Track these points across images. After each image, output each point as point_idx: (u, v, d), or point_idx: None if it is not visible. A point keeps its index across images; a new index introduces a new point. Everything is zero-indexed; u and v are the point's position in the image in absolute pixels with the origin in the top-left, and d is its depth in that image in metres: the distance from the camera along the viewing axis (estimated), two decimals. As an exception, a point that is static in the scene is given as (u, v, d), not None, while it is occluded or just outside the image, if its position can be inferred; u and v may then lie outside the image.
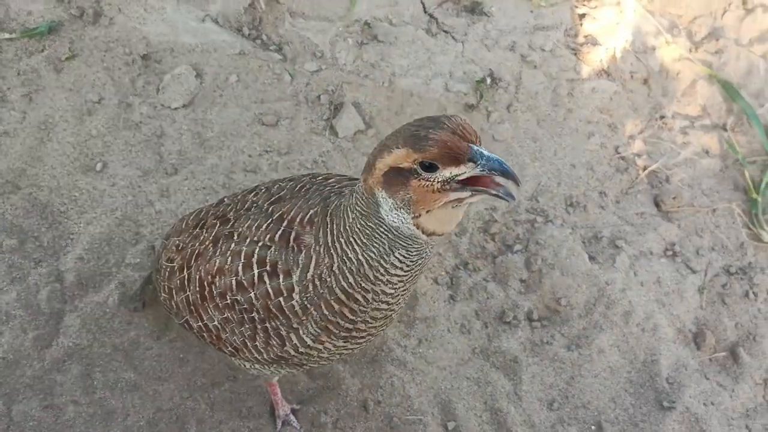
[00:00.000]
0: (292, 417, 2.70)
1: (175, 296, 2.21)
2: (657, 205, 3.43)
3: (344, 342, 1.98)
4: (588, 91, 3.62)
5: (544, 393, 2.92)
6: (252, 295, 1.93)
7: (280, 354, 2.03)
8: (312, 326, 1.92)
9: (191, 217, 2.29)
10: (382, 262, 1.79)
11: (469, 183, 1.62)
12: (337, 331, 1.93)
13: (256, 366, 2.26)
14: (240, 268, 1.95)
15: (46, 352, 2.70)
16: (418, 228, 1.70)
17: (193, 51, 3.34)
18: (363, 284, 1.83)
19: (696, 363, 3.07)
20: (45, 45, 3.24)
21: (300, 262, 1.87)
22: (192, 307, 2.13)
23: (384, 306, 1.91)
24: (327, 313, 1.88)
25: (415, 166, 1.61)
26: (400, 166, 1.63)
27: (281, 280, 1.89)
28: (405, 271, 1.83)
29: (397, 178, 1.65)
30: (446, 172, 1.60)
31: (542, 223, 3.27)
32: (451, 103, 3.44)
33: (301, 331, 1.93)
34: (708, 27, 3.95)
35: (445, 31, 3.64)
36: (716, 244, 3.37)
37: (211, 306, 2.06)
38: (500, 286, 3.10)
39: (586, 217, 3.33)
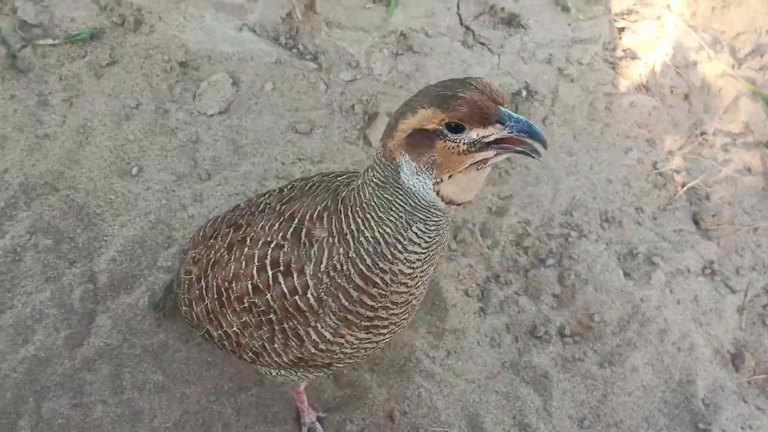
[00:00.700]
0: (317, 425, 2.68)
1: (195, 307, 2.21)
2: (696, 222, 3.36)
3: (367, 334, 1.95)
4: (626, 106, 3.57)
5: (575, 410, 2.86)
6: (268, 297, 1.93)
7: (299, 355, 2.01)
8: (331, 319, 1.89)
9: (207, 226, 2.30)
10: (399, 237, 1.74)
11: (494, 143, 1.57)
12: (358, 321, 1.90)
13: (282, 372, 2.25)
14: (255, 271, 1.95)
15: (77, 351, 2.73)
16: (438, 195, 1.66)
17: (230, 59, 3.37)
18: (381, 264, 1.78)
19: (734, 385, 2.98)
20: (87, 51, 3.30)
21: (312, 256, 1.85)
22: (211, 315, 2.14)
23: (403, 289, 1.86)
24: (346, 303, 1.85)
25: (442, 127, 1.57)
26: (426, 127, 1.59)
27: (295, 278, 1.88)
28: (423, 248, 1.78)
29: (421, 140, 1.60)
30: (473, 134, 1.56)
31: (576, 238, 3.21)
32: (486, 115, 3.41)
33: (319, 326, 1.91)
34: (752, 43, 3.87)
35: (482, 43, 3.63)
36: (757, 263, 3.28)
37: (229, 312, 2.06)
38: (532, 300, 3.05)
39: (622, 233, 3.27)
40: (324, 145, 3.28)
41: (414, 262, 1.81)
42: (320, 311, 1.89)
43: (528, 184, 3.31)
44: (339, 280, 1.83)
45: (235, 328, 2.08)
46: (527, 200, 3.27)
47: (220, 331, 2.14)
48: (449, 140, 1.58)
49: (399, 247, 1.76)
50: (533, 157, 1.59)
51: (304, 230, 1.88)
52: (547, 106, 3.51)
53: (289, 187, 2.12)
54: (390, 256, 1.78)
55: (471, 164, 1.60)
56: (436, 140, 1.59)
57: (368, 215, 1.75)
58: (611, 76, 3.63)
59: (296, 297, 1.89)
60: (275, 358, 2.07)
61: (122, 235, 2.95)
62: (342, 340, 1.95)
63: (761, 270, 3.25)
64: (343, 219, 1.81)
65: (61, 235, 2.92)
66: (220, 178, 3.13)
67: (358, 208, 1.77)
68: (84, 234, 2.94)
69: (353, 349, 2.00)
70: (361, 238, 1.77)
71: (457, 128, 1.56)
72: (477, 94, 1.55)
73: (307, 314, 1.90)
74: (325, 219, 1.86)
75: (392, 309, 1.91)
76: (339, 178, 2.02)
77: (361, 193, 1.76)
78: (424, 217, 1.72)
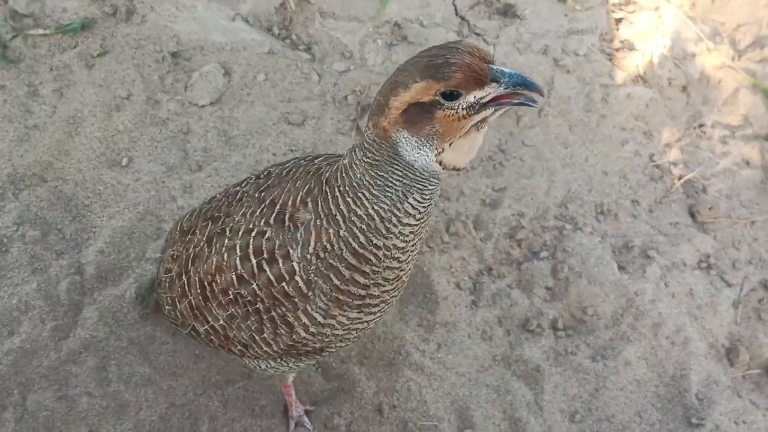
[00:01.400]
0: (305, 418, 2.66)
1: (178, 304, 2.18)
2: (692, 215, 3.31)
3: (358, 313, 1.92)
4: (623, 97, 3.52)
5: (567, 404, 2.83)
6: (254, 286, 1.90)
7: (290, 342, 1.98)
8: (321, 300, 1.86)
9: (183, 221, 2.27)
10: (395, 211, 1.73)
11: (491, 101, 1.56)
12: (350, 300, 1.87)
13: (272, 364, 2.22)
14: (238, 261, 1.92)
15: (63, 343, 2.71)
16: (440, 164, 1.65)
17: (222, 49, 3.34)
18: (375, 240, 1.77)
19: (728, 380, 2.94)
20: (78, 41, 3.28)
21: (299, 238, 1.82)
22: (196, 311, 2.10)
23: (395, 264, 1.84)
24: (338, 282, 1.83)
25: (438, 97, 1.55)
26: (422, 100, 1.57)
27: (281, 264, 1.85)
28: (417, 219, 1.76)
29: (418, 113, 1.58)
30: (470, 97, 1.55)
31: (571, 231, 3.18)
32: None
33: (309, 308, 1.88)
34: (753, 35, 3.82)
35: (477, 34, 3.59)
36: (754, 257, 3.23)
37: (214, 305, 2.03)
38: (525, 294, 3.02)
39: (617, 226, 3.23)
40: (316, 136, 3.25)
41: (407, 235, 1.79)
42: (310, 293, 1.86)
43: (522, 176, 3.28)
44: (330, 260, 1.80)
45: (221, 322, 2.04)
46: (521, 192, 3.24)
47: (206, 327, 2.10)
48: (448, 108, 1.56)
49: (394, 221, 1.74)
50: (530, 106, 1.58)
51: (287, 215, 1.86)
52: (543, 98, 3.46)
53: (265, 174, 2.08)
54: (385, 231, 1.76)
55: (472, 126, 1.59)
56: (435, 111, 1.57)
57: (360, 194, 1.73)
58: (608, 68, 3.58)
59: (283, 283, 1.86)
60: (265, 348, 2.04)
61: (111, 226, 2.92)
62: (333, 321, 1.92)
63: (757, 264, 3.21)
64: (330, 200, 1.78)
65: (49, 227, 2.90)
66: (211, 170, 3.11)
67: (347, 188, 1.74)
68: (72, 225, 2.92)
69: (344, 330, 1.97)
70: (353, 218, 1.75)
71: (453, 95, 1.55)
72: (468, 58, 1.53)
73: (296, 299, 1.87)
74: (309, 203, 1.83)
75: (384, 286, 1.89)
76: (316, 161, 1.99)
77: (350, 173, 1.74)
78: (421, 187, 1.71)
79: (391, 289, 1.93)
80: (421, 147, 1.62)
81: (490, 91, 1.55)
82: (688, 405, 2.86)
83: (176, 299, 2.17)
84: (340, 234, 1.77)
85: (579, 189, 3.30)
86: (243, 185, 2.11)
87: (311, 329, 1.93)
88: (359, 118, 3.30)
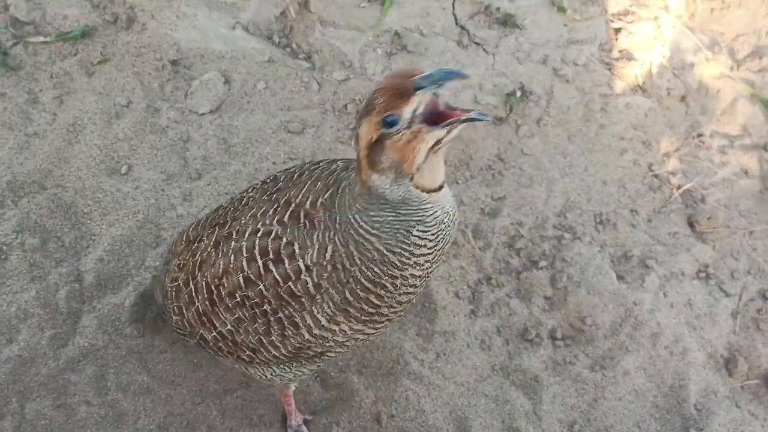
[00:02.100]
0: (304, 427, 2.65)
1: (185, 313, 2.18)
2: (691, 225, 3.32)
3: (362, 326, 1.94)
4: (622, 107, 3.53)
5: (565, 414, 2.83)
6: (261, 287, 1.91)
7: (297, 345, 1.98)
8: (329, 306, 1.88)
9: (189, 230, 2.28)
10: (403, 246, 1.77)
11: (439, 120, 1.60)
12: (358, 315, 1.89)
13: (276, 371, 2.22)
14: (244, 263, 1.93)
15: (61, 351, 2.71)
16: (417, 189, 1.70)
17: (222, 58, 3.35)
18: (390, 272, 1.81)
19: (727, 390, 2.94)
20: (78, 49, 3.28)
21: (314, 240, 1.84)
22: (203, 318, 2.10)
23: (412, 290, 1.89)
24: (351, 298, 1.85)
25: (381, 129, 1.61)
26: (374, 139, 1.63)
27: (287, 264, 1.86)
28: (429, 248, 1.80)
29: (376, 152, 1.65)
30: (405, 114, 1.60)
31: (570, 240, 3.18)
32: (479, 116, 3.38)
33: (315, 311, 1.89)
34: (751, 45, 3.83)
35: (477, 43, 3.60)
36: (752, 267, 3.23)
37: (221, 309, 2.03)
38: (523, 303, 3.02)
39: (616, 236, 3.23)
40: (316, 144, 3.25)
41: (423, 264, 1.83)
42: (317, 297, 1.87)
43: (521, 185, 3.28)
44: (345, 278, 1.83)
45: (229, 326, 2.05)
46: (520, 202, 3.24)
47: (214, 333, 2.10)
48: (393, 134, 1.62)
49: (406, 254, 1.79)
50: (481, 120, 1.61)
51: (302, 213, 1.88)
52: (542, 107, 3.47)
53: (271, 179, 2.10)
54: (399, 264, 1.80)
55: (429, 150, 1.64)
56: (385, 142, 1.63)
57: (363, 232, 1.78)
58: (607, 77, 3.59)
59: (290, 283, 1.87)
60: (273, 352, 2.04)
61: (110, 234, 2.93)
62: (336, 328, 1.93)
63: (756, 274, 3.21)
64: (338, 223, 1.81)
65: (48, 234, 2.90)
66: (210, 178, 3.11)
67: (354, 226, 1.78)
68: (71, 233, 2.92)
69: (345, 338, 1.98)
70: (363, 251, 1.79)
71: (392, 122, 1.60)
72: (388, 80, 1.62)
73: (303, 299, 1.88)
74: (326, 211, 1.86)
75: (396, 307, 1.92)
76: (332, 167, 2.00)
77: (350, 218, 1.78)
78: (419, 218, 1.75)
79: (401, 309, 1.96)
80: (395, 182, 1.69)
81: (420, 99, 1.59)
82: (687, 415, 2.86)
83: (183, 308, 2.17)
84: (355, 260, 1.80)
85: (578, 198, 3.30)
86: (249, 191, 2.14)
87: (314, 331, 1.94)
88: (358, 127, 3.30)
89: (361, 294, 1.84)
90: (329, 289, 1.85)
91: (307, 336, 1.95)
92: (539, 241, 3.17)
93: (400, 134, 1.61)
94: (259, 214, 1.98)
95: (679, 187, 3.38)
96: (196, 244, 2.17)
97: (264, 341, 2.02)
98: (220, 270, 1.99)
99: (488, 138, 3.36)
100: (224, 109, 3.28)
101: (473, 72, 3.51)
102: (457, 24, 3.65)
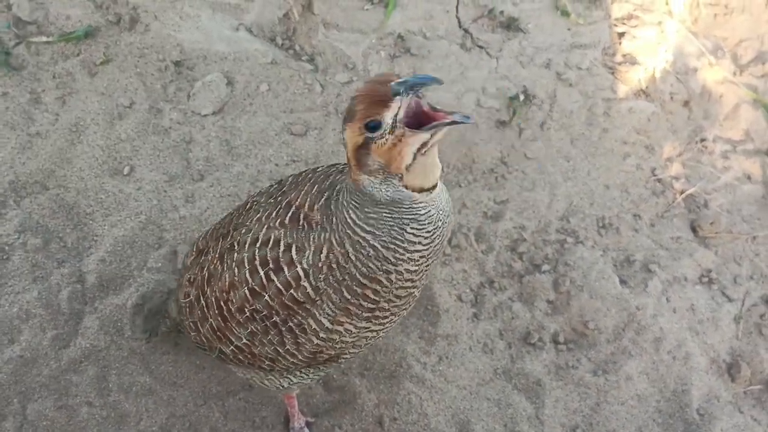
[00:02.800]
0: (306, 430, 2.64)
1: (201, 328, 2.16)
2: (694, 230, 3.32)
3: (367, 323, 1.93)
4: (625, 111, 3.53)
5: (567, 418, 2.82)
6: (266, 297, 1.90)
7: (312, 350, 1.98)
8: (329, 307, 1.88)
9: (199, 241, 2.28)
10: (397, 242, 1.77)
11: (423, 123, 1.62)
12: (359, 312, 1.89)
13: (290, 376, 2.22)
14: (248, 275, 1.93)
15: (63, 352, 2.70)
16: (407, 189, 1.71)
17: (225, 59, 3.34)
18: (385, 267, 1.81)
19: (729, 395, 2.93)
20: (81, 49, 3.28)
21: (312, 242, 1.84)
22: (218, 333, 2.09)
23: (409, 284, 1.88)
24: (349, 296, 1.85)
25: (365, 134, 1.64)
26: (359, 144, 1.67)
27: (287, 272, 1.86)
28: (425, 245, 1.81)
29: (363, 156, 1.68)
30: (387, 119, 1.62)
31: (572, 244, 3.18)
32: (482, 119, 3.39)
33: (317, 314, 1.89)
34: (754, 51, 3.83)
35: (480, 47, 3.60)
36: (755, 272, 3.23)
37: (234, 324, 2.02)
38: (526, 307, 3.02)
39: (619, 240, 3.23)
40: (319, 147, 3.25)
41: (418, 260, 1.83)
42: (317, 299, 1.87)
43: (524, 189, 3.28)
44: (341, 276, 1.83)
45: (244, 340, 2.04)
46: (523, 205, 3.24)
47: (231, 347, 2.09)
48: (376, 139, 1.65)
49: (400, 251, 1.79)
50: (465, 123, 1.61)
51: (302, 214, 1.89)
52: (545, 111, 3.47)
53: (277, 184, 2.10)
54: (393, 260, 1.80)
55: (415, 153, 1.65)
56: (370, 146, 1.66)
57: (358, 230, 1.79)
58: (610, 81, 3.59)
59: (291, 290, 1.87)
60: (291, 360, 2.04)
61: (112, 235, 2.92)
62: (341, 329, 1.93)
63: (759, 279, 3.21)
64: (333, 221, 1.82)
65: (51, 235, 2.89)
66: (213, 179, 3.10)
67: (348, 221, 1.80)
68: (73, 234, 2.91)
69: (353, 338, 1.97)
70: (358, 247, 1.79)
71: (375, 127, 1.63)
72: (366, 86, 1.64)
73: (306, 305, 1.88)
74: (322, 212, 1.87)
75: (395, 302, 1.91)
76: (332, 170, 2.02)
77: (345, 212, 1.80)
78: (413, 216, 1.76)
79: (402, 304, 1.95)
80: (383, 182, 1.71)
81: (398, 105, 1.61)
82: (689, 420, 2.85)
83: (198, 323, 2.16)
84: (349, 257, 1.80)
85: (581, 202, 3.30)
86: (256, 195, 2.13)
87: (321, 335, 1.94)
88: (362, 129, 3.30)
89: (358, 290, 1.84)
90: (327, 289, 1.85)
91: (316, 341, 1.95)
92: (542, 245, 3.16)
93: (384, 139, 1.63)
94: (263, 218, 1.98)
95: (682, 192, 3.38)
96: (203, 257, 2.17)
97: (280, 351, 2.01)
98: (227, 284, 1.99)
99: (491, 141, 3.36)
100: (227, 110, 3.27)
101: (476, 75, 3.51)
102: (460, 27, 3.64)
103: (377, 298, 1.87)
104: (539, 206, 3.25)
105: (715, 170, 3.48)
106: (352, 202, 1.78)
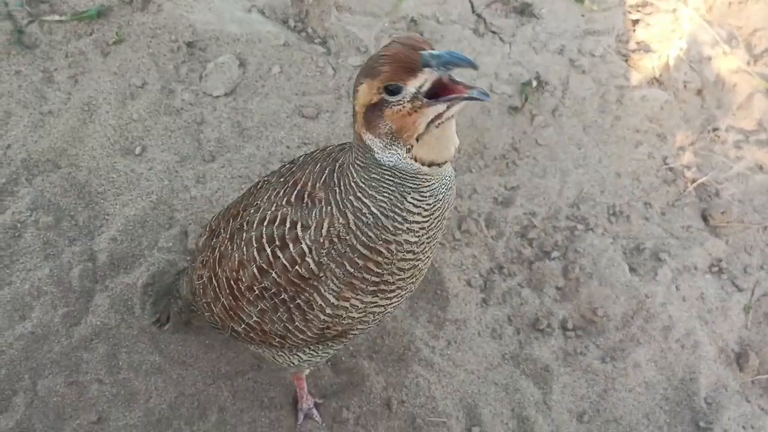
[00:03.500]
0: (314, 411, 2.65)
1: (214, 308, 2.17)
2: (705, 219, 3.31)
3: (373, 297, 1.91)
4: (638, 99, 3.51)
5: (575, 404, 2.82)
6: (273, 275, 1.90)
7: (321, 326, 1.98)
8: (333, 282, 1.86)
9: (212, 221, 2.28)
10: (396, 210, 1.74)
11: (441, 95, 1.56)
12: (364, 286, 1.87)
13: (303, 357, 2.23)
14: (255, 253, 1.92)
15: (74, 329, 2.71)
16: (416, 161, 1.66)
17: (237, 40, 3.34)
18: (384, 236, 1.77)
19: (737, 384, 2.93)
20: (93, 29, 3.27)
21: (314, 217, 1.83)
22: (230, 313, 2.10)
23: (410, 256, 1.84)
24: (351, 269, 1.83)
25: (382, 95, 1.58)
26: (372, 101, 1.61)
27: (292, 248, 1.85)
28: (425, 216, 1.77)
29: (374, 114, 1.62)
30: (410, 88, 1.56)
31: (582, 231, 3.17)
32: (494, 105, 3.37)
33: (322, 289, 1.88)
34: (768, 40, 3.81)
35: (493, 32, 3.58)
36: (765, 262, 3.22)
37: (244, 303, 2.03)
38: (535, 293, 3.02)
39: (629, 228, 3.22)
40: (330, 130, 3.24)
41: (418, 231, 1.79)
42: (321, 275, 1.85)
43: (535, 175, 3.27)
44: (342, 249, 1.81)
45: (255, 318, 2.04)
46: (534, 192, 3.23)
47: (243, 325, 2.10)
48: (393, 104, 1.58)
49: (399, 219, 1.75)
50: (482, 100, 1.57)
51: (306, 192, 1.87)
52: (558, 98, 3.46)
53: (290, 164, 2.09)
54: (392, 228, 1.76)
55: (429, 123, 1.60)
56: (384, 109, 1.60)
57: (359, 194, 1.75)
58: (623, 69, 3.57)
59: (297, 267, 1.86)
60: (300, 336, 2.04)
61: (123, 214, 2.92)
62: (347, 304, 1.91)
63: (770, 269, 3.21)
64: (337, 192, 1.80)
65: (62, 213, 2.90)
66: (224, 160, 3.10)
67: (351, 185, 1.76)
68: (85, 212, 2.92)
69: (360, 313, 1.96)
70: (359, 214, 1.76)
71: (395, 90, 1.57)
72: (396, 48, 1.56)
73: (311, 281, 1.87)
74: (325, 187, 1.84)
75: (399, 275, 1.89)
76: (341, 147, 1.99)
77: (349, 173, 1.77)
78: (415, 186, 1.71)
79: (408, 277, 1.92)
80: (387, 147, 1.65)
81: (426, 77, 1.55)
82: (697, 409, 2.85)
83: (211, 304, 2.16)
84: (350, 226, 1.78)
85: (591, 190, 3.29)
86: (268, 175, 2.13)
87: (327, 311, 1.93)
88: (373, 112, 3.29)
89: (360, 262, 1.81)
90: (330, 264, 1.83)
91: (323, 317, 1.95)
92: (552, 232, 3.16)
93: (401, 105, 1.58)
94: (273, 196, 1.98)
95: (693, 181, 3.37)
96: (215, 239, 2.17)
97: (290, 328, 2.01)
98: (236, 263, 1.99)
99: (503, 127, 3.35)
100: (239, 92, 3.27)
101: (489, 60, 3.50)
102: (473, 12, 3.63)
103: (380, 271, 1.84)
104: (550, 193, 3.24)
105: (728, 160, 3.47)
106: (356, 162, 1.73)
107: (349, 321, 1.97)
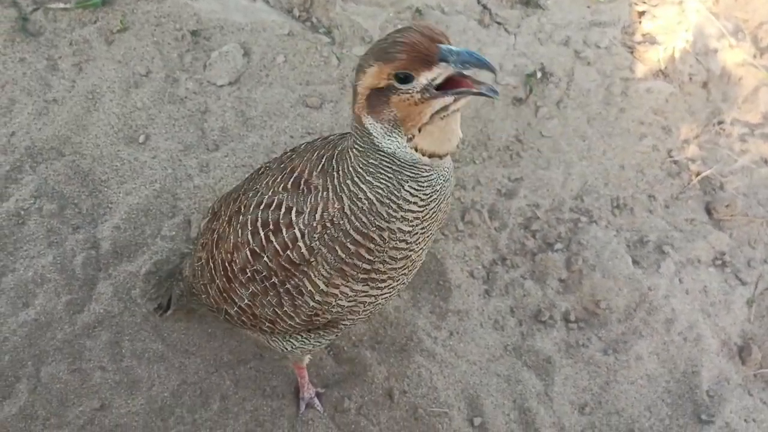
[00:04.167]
0: (316, 400, 2.66)
1: (210, 290, 2.19)
2: (708, 212, 3.30)
3: (363, 286, 1.90)
4: (642, 92, 3.50)
5: (577, 396, 2.83)
6: (265, 258, 1.90)
7: (309, 313, 1.98)
8: (324, 268, 1.85)
9: (215, 204, 2.29)
10: (392, 198, 1.72)
11: (449, 87, 1.54)
12: (354, 273, 1.86)
13: (298, 340, 2.23)
14: (249, 236, 1.93)
15: (77, 317, 2.72)
16: (417, 151, 1.64)
17: (242, 29, 3.33)
18: (377, 222, 1.76)
19: (739, 378, 2.93)
20: (98, 17, 3.27)
21: (309, 203, 1.82)
22: (224, 295, 2.11)
23: (403, 245, 1.83)
24: (343, 254, 1.82)
25: (392, 81, 1.55)
26: (379, 86, 1.57)
27: (284, 233, 1.85)
28: (420, 206, 1.75)
29: (378, 99, 1.59)
30: (422, 79, 1.54)
31: (586, 224, 3.16)
32: (499, 96, 3.36)
33: (312, 275, 1.87)
34: (775, 33, 3.79)
35: (498, 23, 3.57)
36: (769, 256, 3.22)
37: (237, 285, 2.04)
38: (538, 284, 3.01)
39: (633, 220, 3.22)
40: (334, 120, 3.24)
41: (412, 221, 1.78)
42: (312, 260, 1.85)
43: (539, 167, 3.26)
44: (335, 234, 1.80)
45: (246, 301, 2.05)
46: (537, 183, 3.22)
47: (235, 308, 2.11)
48: (402, 92, 1.56)
49: (394, 207, 1.74)
50: (490, 97, 1.55)
51: (302, 180, 1.86)
52: (562, 89, 3.45)
53: (291, 152, 2.10)
54: (386, 215, 1.75)
55: (433, 114, 1.58)
56: (391, 95, 1.57)
57: (356, 179, 1.74)
58: (629, 61, 3.56)
59: (288, 251, 1.86)
60: (289, 322, 2.04)
61: (127, 202, 2.93)
62: (336, 291, 1.90)
63: (773, 263, 3.20)
64: (335, 177, 1.79)
65: (66, 201, 2.90)
66: (228, 150, 3.10)
67: (347, 171, 1.75)
68: (88, 200, 2.92)
69: (350, 302, 1.95)
70: (355, 199, 1.75)
71: (406, 78, 1.54)
72: (415, 36, 1.52)
73: (301, 266, 1.87)
74: (321, 173, 1.83)
75: (390, 264, 1.87)
76: (342, 136, 1.99)
77: (347, 158, 1.75)
78: (413, 175, 1.70)
79: (400, 267, 1.91)
80: (388, 133, 1.63)
81: (440, 72, 1.52)
82: (699, 401, 2.85)
83: (207, 285, 2.18)
84: (345, 211, 1.77)
85: (595, 182, 3.28)
86: (269, 162, 2.13)
87: (316, 297, 1.92)
88: (377, 103, 3.29)
89: (351, 248, 1.80)
90: (322, 249, 1.82)
91: (312, 303, 1.94)
92: (555, 224, 3.16)
93: (409, 94, 1.55)
94: (270, 182, 1.98)
95: (697, 174, 3.36)
96: (215, 222, 2.18)
97: (279, 312, 2.02)
98: (231, 245, 2.00)
99: (507, 119, 3.34)
100: (243, 81, 3.27)
101: (494, 51, 3.48)
102: (479, 3, 3.61)
103: (371, 258, 1.83)
104: (554, 185, 3.23)
105: (732, 153, 3.45)
106: (355, 146, 1.71)
107: (339, 309, 1.97)
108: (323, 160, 1.85)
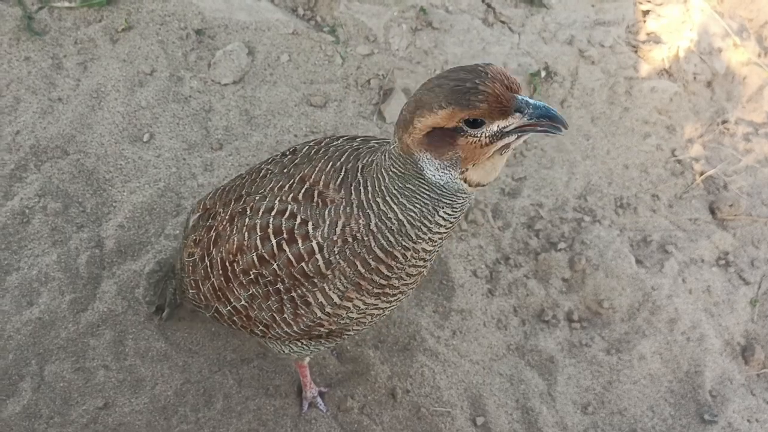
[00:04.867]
0: (319, 399, 2.67)
1: (201, 287, 2.19)
2: (712, 212, 3.30)
3: (375, 300, 1.92)
4: (647, 91, 3.50)
5: (579, 396, 2.83)
6: (275, 266, 1.90)
7: (309, 323, 1.99)
8: (341, 282, 1.87)
9: (207, 199, 2.28)
10: (425, 222, 1.75)
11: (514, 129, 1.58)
12: (370, 288, 1.87)
13: (290, 346, 2.23)
14: (258, 242, 1.92)
15: (81, 315, 2.72)
16: (465, 182, 1.66)
17: (246, 28, 3.33)
18: (404, 242, 1.78)
19: (742, 378, 2.93)
20: (103, 15, 3.27)
21: (326, 217, 1.82)
22: (219, 293, 2.11)
23: (421, 263, 1.87)
24: (362, 269, 1.83)
25: (461, 125, 1.56)
26: (446, 126, 1.57)
27: (300, 244, 1.85)
28: (446, 228, 1.79)
29: (442, 137, 1.59)
30: (494, 126, 1.56)
31: (589, 223, 3.16)
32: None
33: (327, 288, 1.88)
34: (780, 32, 3.78)
35: (502, 22, 3.57)
36: (773, 256, 3.22)
37: (236, 285, 2.04)
38: (541, 284, 3.02)
39: (636, 220, 3.22)
40: (338, 119, 3.24)
41: (436, 241, 1.82)
42: (329, 273, 1.86)
43: (543, 166, 3.26)
44: (358, 249, 1.81)
45: (243, 302, 2.05)
46: (541, 183, 3.22)
47: (228, 307, 2.11)
48: (471, 136, 1.57)
49: (424, 229, 1.77)
50: (553, 134, 1.58)
51: (316, 192, 1.86)
52: (566, 88, 3.45)
53: (290, 151, 2.09)
54: (414, 237, 1.78)
55: (494, 152, 1.60)
56: (458, 137, 1.58)
57: (388, 198, 1.75)
58: (633, 60, 3.55)
59: (303, 263, 1.86)
60: (285, 329, 2.05)
61: (131, 201, 2.93)
62: (350, 304, 1.92)
63: (777, 263, 3.20)
64: (362, 192, 1.79)
65: (70, 199, 2.91)
66: (232, 148, 3.11)
67: (378, 190, 1.76)
68: (93, 199, 2.93)
69: (359, 314, 1.97)
70: (383, 218, 1.76)
71: (476, 123, 1.55)
72: (494, 86, 1.52)
73: (315, 279, 1.88)
74: (342, 186, 1.83)
75: (405, 280, 1.90)
76: (354, 143, 1.98)
77: (381, 177, 1.75)
78: (450, 202, 1.72)
79: (411, 282, 1.94)
80: (443, 169, 1.64)
81: (514, 122, 1.55)
82: (702, 401, 2.85)
83: (199, 282, 2.17)
84: (371, 227, 1.78)
85: (599, 181, 3.28)
86: (268, 162, 2.12)
87: (327, 309, 1.93)
88: (381, 102, 3.29)
89: (372, 264, 1.82)
90: (341, 262, 1.83)
91: (319, 314, 1.95)
92: (559, 223, 3.16)
93: (478, 138, 1.57)
94: (276, 189, 1.96)
95: (701, 174, 3.36)
96: (211, 220, 2.17)
97: (277, 318, 2.02)
98: (234, 247, 1.99)
99: (511, 118, 3.34)
100: (247, 80, 3.27)
101: (498, 50, 3.48)
102: (483, 1, 3.61)
103: (389, 274, 1.85)
104: (557, 184, 3.23)
105: (736, 152, 3.45)
106: (392, 169, 1.71)
107: (347, 321, 1.98)
108: (343, 173, 1.85)
